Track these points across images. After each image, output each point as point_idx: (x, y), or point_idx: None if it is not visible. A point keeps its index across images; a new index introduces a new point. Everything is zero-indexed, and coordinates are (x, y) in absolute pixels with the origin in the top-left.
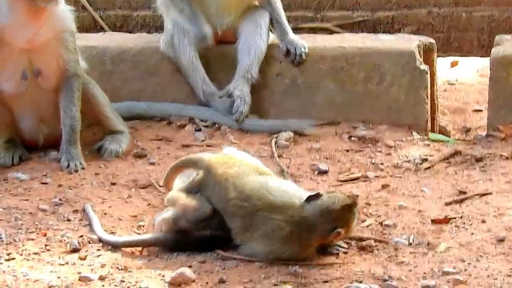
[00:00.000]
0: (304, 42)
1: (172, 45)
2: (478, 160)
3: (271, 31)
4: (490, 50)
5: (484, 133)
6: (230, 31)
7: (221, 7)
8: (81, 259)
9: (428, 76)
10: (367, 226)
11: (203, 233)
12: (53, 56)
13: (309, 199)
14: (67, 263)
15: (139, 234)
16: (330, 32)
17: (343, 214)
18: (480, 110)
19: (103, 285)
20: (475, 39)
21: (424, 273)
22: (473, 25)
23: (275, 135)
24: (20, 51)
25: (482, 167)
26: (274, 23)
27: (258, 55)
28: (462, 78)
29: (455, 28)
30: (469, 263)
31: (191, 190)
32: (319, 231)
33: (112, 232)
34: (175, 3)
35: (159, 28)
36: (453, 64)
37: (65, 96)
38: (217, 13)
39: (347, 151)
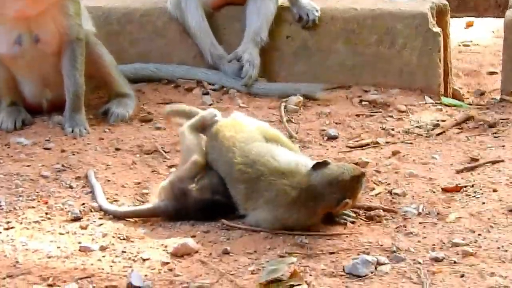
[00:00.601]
0: (315, 5)
1: (179, 6)
2: (491, 126)
3: None
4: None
5: (498, 97)
6: None
7: None
8: (82, 228)
9: (441, 38)
10: (376, 195)
11: (204, 196)
12: (51, 23)
13: (316, 166)
14: (67, 232)
15: (142, 202)
16: None
17: (352, 184)
18: (495, 73)
19: (103, 256)
20: None
21: (433, 244)
22: None
23: (284, 99)
24: (14, 18)
25: (495, 133)
26: None
27: (268, 17)
28: (477, 39)
29: None
30: (479, 234)
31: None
32: (326, 200)
33: (115, 200)
34: None
35: None
36: (469, 25)
37: (67, 61)
38: None
39: (358, 116)
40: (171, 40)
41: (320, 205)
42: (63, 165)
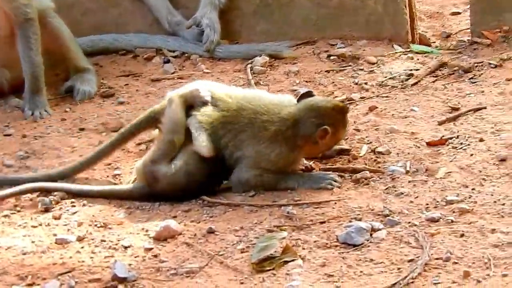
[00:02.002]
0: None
1: None
2: (467, 71)
3: None
4: None
5: (466, 38)
6: None
7: None
8: (55, 218)
9: None
10: (359, 156)
11: (177, 182)
12: None
13: (301, 97)
14: (40, 224)
15: (115, 184)
16: None
17: (332, 113)
18: (459, 13)
19: (82, 247)
20: None
21: (427, 204)
22: None
23: (250, 61)
24: None
25: (471, 78)
26: None
27: None
28: None
29: None
30: (472, 189)
31: None
32: (305, 128)
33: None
34: None
35: None
36: None
37: (21, 43)
38: None
39: (327, 71)
40: (126, 9)
41: (300, 135)
42: (26, 152)
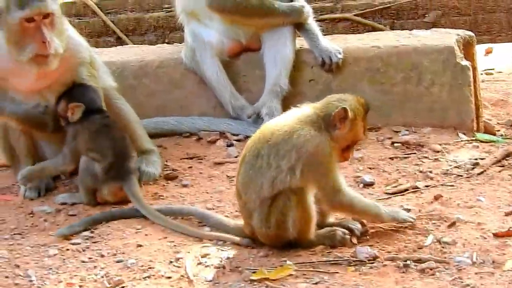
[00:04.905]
0: (337, 47)
1: (194, 58)
2: None
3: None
4: None
5: None
6: (254, 39)
7: (248, 23)
8: None
9: (471, 72)
10: (425, 246)
11: None
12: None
13: None
14: None
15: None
16: (351, 22)
17: (354, 101)
18: None
19: None
20: (504, 20)
21: None
22: (500, 5)
23: None
24: (27, 92)
25: None
26: (301, 28)
27: (286, 65)
28: (500, 66)
29: (481, 10)
30: None
31: None
32: (327, 109)
33: (150, 268)
34: (195, 12)
35: (173, 29)
36: (488, 52)
37: None
38: (242, 26)
39: (391, 159)
40: (190, 91)
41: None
42: (92, 231)
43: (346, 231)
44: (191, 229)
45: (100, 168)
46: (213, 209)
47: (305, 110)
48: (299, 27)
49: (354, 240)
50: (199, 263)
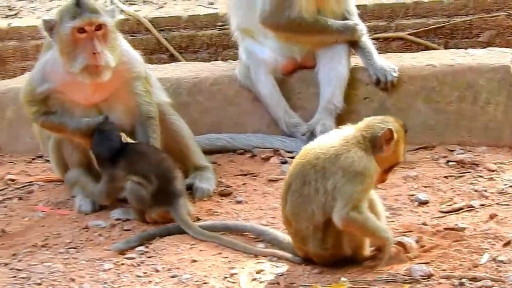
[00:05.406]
0: (392, 65)
1: (248, 76)
2: None
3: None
4: None
5: None
6: (309, 56)
7: (303, 40)
8: None
9: None
10: (480, 264)
11: None
12: (120, 105)
13: None
14: None
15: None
16: (405, 41)
17: (395, 123)
18: None
19: None
20: None
21: None
22: None
23: None
24: (84, 105)
25: None
26: (356, 46)
27: (340, 83)
28: None
29: None
30: None
31: None
32: (373, 131)
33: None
34: (250, 29)
35: (226, 47)
36: None
37: (141, 140)
38: (297, 43)
39: (446, 177)
40: (244, 109)
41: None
42: (147, 246)
43: (399, 247)
44: (243, 245)
45: (146, 193)
46: (267, 225)
47: (349, 131)
48: (354, 45)
49: (407, 256)
50: (254, 279)
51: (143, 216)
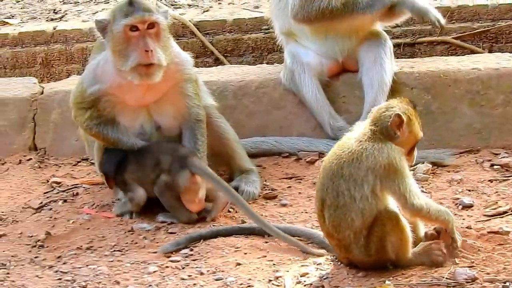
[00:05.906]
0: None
1: (293, 80)
2: None
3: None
4: None
5: None
6: (350, 59)
7: (341, 32)
8: None
9: None
10: None
11: None
12: (170, 107)
13: None
14: None
15: (277, 286)
16: (450, 45)
17: (400, 104)
18: None
19: None
20: None
21: None
22: None
23: (412, 168)
24: (135, 107)
25: None
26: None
27: (382, 88)
28: None
29: None
30: None
31: None
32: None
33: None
34: (291, 32)
35: (272, 51)
36: None
37: (189, 143)
38: (336, 39)
39: (491, 181)
40: (289, 112)
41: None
42: (191, 249)
43: (441, 247)
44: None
45: (165, 176)
46: (313, 228)
47: (357, 131)
48: (394, 8)
49: (451, 257)
50: (298, 282)
51: (182, 207)
